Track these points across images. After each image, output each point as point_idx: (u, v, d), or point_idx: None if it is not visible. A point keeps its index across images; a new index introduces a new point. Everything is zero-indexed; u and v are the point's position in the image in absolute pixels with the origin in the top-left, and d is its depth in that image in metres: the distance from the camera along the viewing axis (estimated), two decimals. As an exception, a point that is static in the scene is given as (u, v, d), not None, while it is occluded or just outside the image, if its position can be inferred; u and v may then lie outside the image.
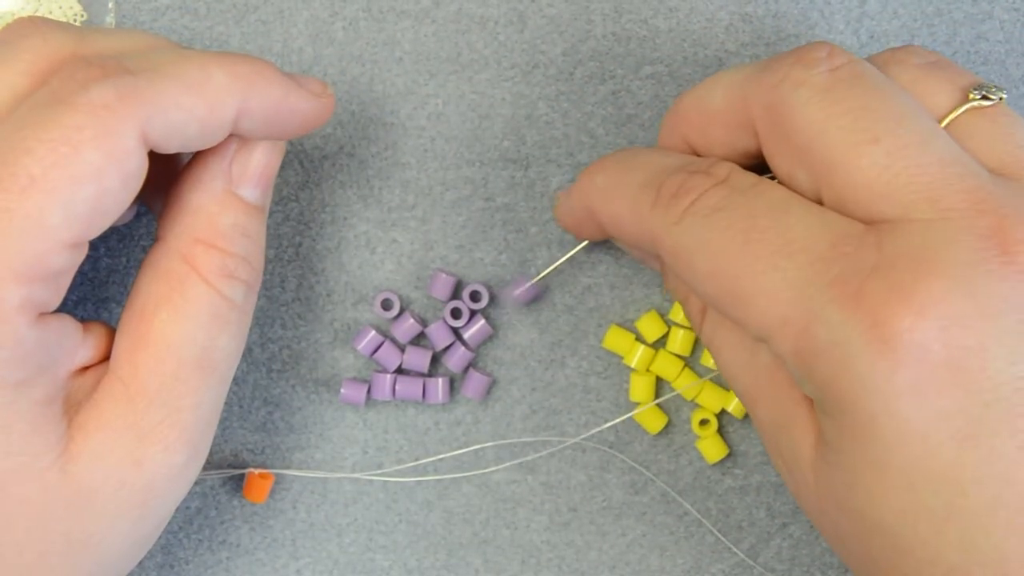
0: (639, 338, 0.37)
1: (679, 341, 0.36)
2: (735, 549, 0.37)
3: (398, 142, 0.37)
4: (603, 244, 0.36)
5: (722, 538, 0.37)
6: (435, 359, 0.37)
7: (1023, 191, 0.26)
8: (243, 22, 0.37)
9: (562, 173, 0.37)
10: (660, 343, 0.37)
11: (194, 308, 0.29)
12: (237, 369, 0.37)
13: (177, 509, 0.33)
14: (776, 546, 0.37)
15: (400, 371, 0.37)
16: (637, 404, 0.36)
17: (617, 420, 0.36)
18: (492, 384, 0.37)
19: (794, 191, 0.28)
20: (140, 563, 0.35)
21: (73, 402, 0.29)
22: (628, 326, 0.37)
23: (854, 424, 0.25)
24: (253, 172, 0.31)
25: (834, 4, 0.37)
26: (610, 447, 0.37)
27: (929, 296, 0.24)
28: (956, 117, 0.28)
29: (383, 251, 0.37)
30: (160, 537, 0.36)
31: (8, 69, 0.28)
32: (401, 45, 0.37)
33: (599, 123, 0.37)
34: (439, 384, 0.36)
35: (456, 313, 0.36)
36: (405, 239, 0.37)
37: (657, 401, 0.36)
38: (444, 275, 0.36)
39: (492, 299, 0.37)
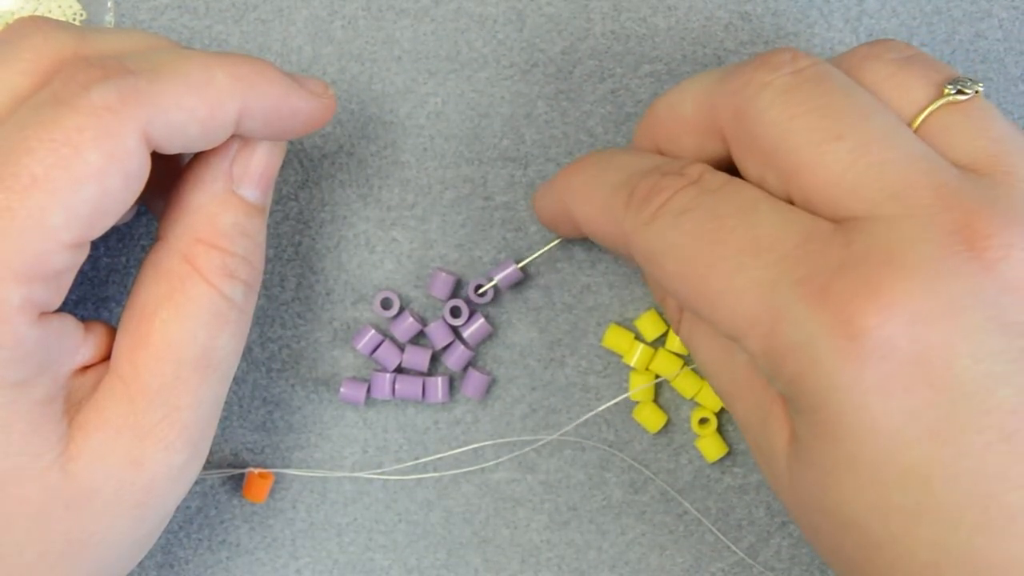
0: (638, 337, 0.37)
1: (678, 340, 0.36)
2: (734, 548, 0.37)
3: (397, 141, 0.37)
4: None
5: (722, 537, 0.37)
6: (435, 358, 0.37)
7: (992, 187, 0.26)
8: (242, 21, 0.37)
9: (561, 172, 0.37)
10: (659, 342, 0.37)
11: (195, 307, 0.29)
12: (237, 368, 0.37)
13: (177, 509, 0.33)
14: (776, 545, 0.37)
15: (400, 370, 0.37)
16: (636, 402, 0.36)
17: (606, 405, 0.36)
18: (492, 383, 0.37)
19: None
20: (140, 563, 0.35)
21: (74, 401, 0.29)
22: (627, 325, 0.37)
23: (823, 422, 0.25)
24: (254, 172, 0.31)
25: (833, 2, 0.37)
26: (610, 446, 0.37)
27: (895, 293, 0.24)
28: (931, 112, 0.27)
29: (382, 250, 0.37)
30: (160, 537, 0.36)
31: (9, 69, 0.28)
32: (400, 44, 0.37)
33: (598, 121, 0.37)
34: (439, 383, 0.36)
35: (455, 312, 0.36)
36: (404, 238, 0.37)
37: (658, 381, 0.36)
38: (444, 274, 0.36)
39: (496, 295, 0.37)
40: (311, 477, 0.37)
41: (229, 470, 0.37)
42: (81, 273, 0.36)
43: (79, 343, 0.29)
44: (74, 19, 0.36)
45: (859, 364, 0.24)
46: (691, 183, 0.28)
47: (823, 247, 0.25)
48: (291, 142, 0.36)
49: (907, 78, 0.28)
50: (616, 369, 0.37)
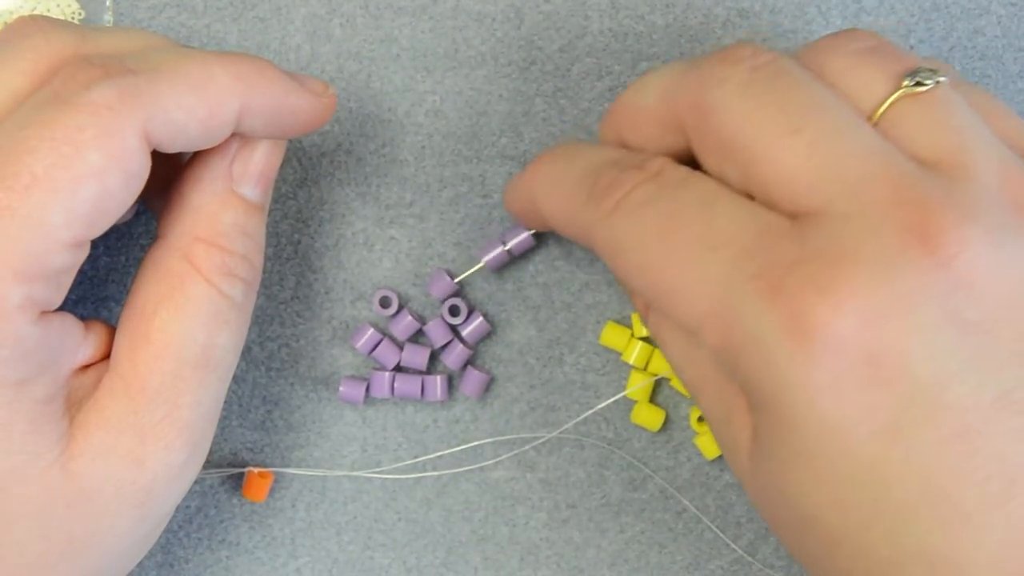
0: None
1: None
2: (734, 545, 0.37)
3: (395, 139, 0.37)
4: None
5: (720, 534, 0.37)
6: (433, 357, 0.37)
7: (949, 181, 0.25)
8: (240, 19, 0.37)
9: (560, 170, 0.37)
10: (658, 339, 0.37)
11: (194, 306, 0.29)
12: (236, 367, 0.37)
13: (177, 508, 0.33)
14: (775, 542, 0.37)
15: (399, 369, 0.37)
16: (635, 400, 0.36)
17: (604, 403, 0.37)
18: (491, 381, 0.37)
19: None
20: (140, 562, 0.35)
21: (74, 400, 0.29)
22: (625, 322, 0.37)
23: (779, 417, 0.25)
24: (254, 171, 0.31)
25: (831, 0, 0.37)
26: (609, 444, 0.37)
27: (848, 290, 0.24)
28: (890, 104, 0.27)
29: (381, 248, 0.37)
30: (160, 536, 0.36)
31: (9, 68, 0.28)
32: (398, 42, 0.37)
33: (596, 119, 0.37)
34: (437, 382, 0.36)
35: (454, 311, 0.36)
36: (403, 236, 0.37)
37: (657, 378, 0.36)
38: (445, 274, 0.36)
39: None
40: (310, 476, 0.37)
41: (228, 469, 0.37)
42: (81, 272, 0.36)
43: (79, 342, 0.29)
44: (73, 18, 0.36)
45: (811, 361, 0.24)
46: (651, 177, 0.28)
47: (778, 242, 0.25)
48: (290, 141, 0.36)
49: (867, 70, 0.28)
50: (615, 367, 0.37)
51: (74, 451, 0.28)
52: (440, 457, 0.37)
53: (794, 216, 0.26)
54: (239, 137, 0.31)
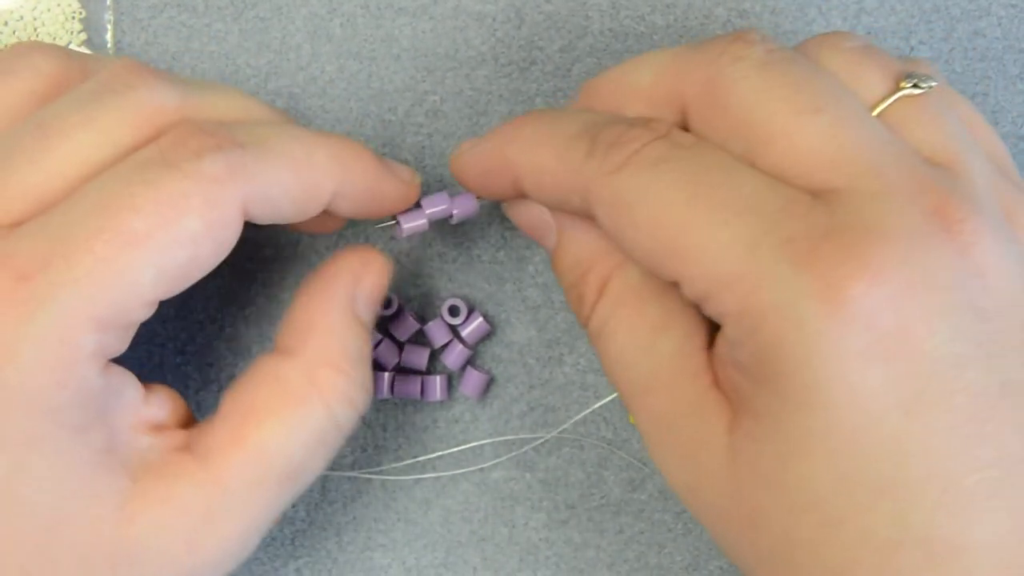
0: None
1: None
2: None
3: (396, 138, 0.37)
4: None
5: (721, 535, 0.37)
6: (433, 357, 0.37)
7: (952, 177, 0.26)
8: (241, 19, 0.37)
9: (560, 170, 0.37)
10: (658, 340, 0.37)
11: (304, 428, 0.30)
12: (236, 368, 0.37)
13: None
14: (775, 543, 0.37)
15: (398, 369, 0.37)
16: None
17: (603, 401, 0.36)
18: (490, 382, 0.37)
19: None
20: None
21: (139, 461, 0.29)
22: (626, 323, 0.37)
23: (797, 388, 0.25)
24: (370, 294, 0.32)
25: (832, 0, 0.37)
26: (608, 444, 0.37)
27: (883, 263, 0.24)
28: (890, 104, 0.28)
29: (381, 248, 0.37)
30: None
31: (113, 119, 0.28)
32: (399, 42, 0.37)
33: (597, 120, 0.37)
34: (437, 382, 0.36)
35: (454, 311, 0.36)
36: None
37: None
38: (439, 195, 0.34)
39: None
40: (310, 476, 0.37)
41: (228, 469, 0.37)
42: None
43: (139, 398, 0.29)
44: (73, 18, 0.37)
45: (844, 330, 0.24)
46: (660, 136, 0.28)
47: (808, 212, 0.25)
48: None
49: (865, 68, 0.28)
50: (615, 367, 0.37)
51: (132, 515, 0.28)
52: (440, 457, 0.37)
53: (814, 192, 0.26)
54: (360, 257, 0.31)
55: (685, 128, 0.29)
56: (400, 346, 0.37)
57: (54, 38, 0.36)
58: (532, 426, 0.37)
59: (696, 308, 0.28)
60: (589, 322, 0.31)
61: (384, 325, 0.37)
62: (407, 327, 0.36)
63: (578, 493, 0.37)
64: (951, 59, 0.37)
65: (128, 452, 0.29)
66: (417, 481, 0.37)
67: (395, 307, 0.36)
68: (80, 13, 0.36)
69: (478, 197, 0.33)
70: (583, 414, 0.37)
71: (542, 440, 0.37)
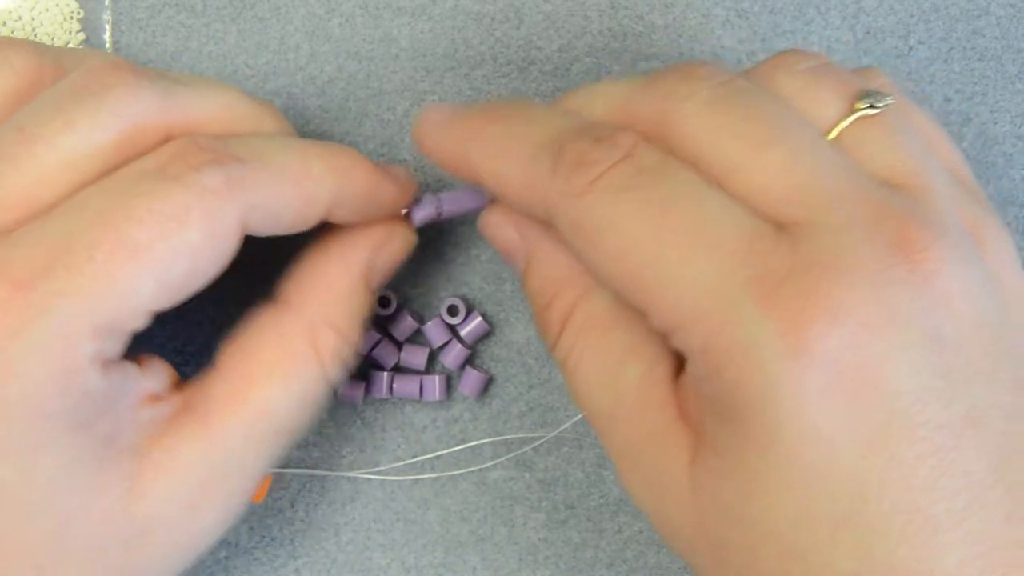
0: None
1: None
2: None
3: (395, 138, 0.37)
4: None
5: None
6: (432, 356, 0.37)
7: (913, 199, 0.26)
8: (240, 19, 0.37)
9: (559, 170, 0.37)
10: (657, 340, 0.37)
11: (301, 388, 0.30)
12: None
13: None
14: (774, 543, 0.37)
15: (397, 369, 0.37)
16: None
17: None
18: (489, 381, 0.37)
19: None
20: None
21: (143, 435, 0.29)
22: (625, 323, 0.37)
23: (759, 426, 0.25)
24: (387, 264, 0.32)
25: (830, 0, 0.37)
26: (608, 444, 0.37)
27: (843, 303, 0.24)
28: (846, 126, 0.28)
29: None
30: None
31: (93, 123, 0.28)
32: (398, 42, 0.37)
33: (596, 119, 0.37)
34: (436, 382, 0.36)
35: (453, 310, 0.36)
36: (402, 236, 0.37)
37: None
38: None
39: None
40: (309, 476, 0.37)
41: (227, 469, 0.37)
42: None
43: (139, 383, 0.29)
44: (71, 17, 0.36)
45: (804, 371, 0.24)
46: (625, 156, 0.27)
47: (771, 248, 0.25)
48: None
49: (820, 91, 0.28)
50: (614, 367, 0.37)
51: (142, 491, 0.28)
52: (439, 457, 0.37)
53: (778, 225, 0.26)
54: (388, 227, 0.32)
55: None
56: (399, 346, 0.37)
57: (52, 38, 0.36)
58: (531, 426, 0.37)
59: (663, 337, 0.27)
60: (554, 350, 0.31)
61: (383, 325, 0.37)
62: (406, 327, 0.36)
63: (577, 493, 0.37)
64: (950, 59, 0.37)
65: (132, 432, 0.29)
66: (416, 481, 0.37)
67: (394, 307, 0.36)
68: (78, 13, 0.36)
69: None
70: (582, 413, 0.37)
71: (542, 440, 0.37)
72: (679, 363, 0.28)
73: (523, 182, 0.29)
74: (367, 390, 0.36)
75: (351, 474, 0.37)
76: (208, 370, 0.30)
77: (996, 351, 0.25)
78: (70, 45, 0.36)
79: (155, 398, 0.30)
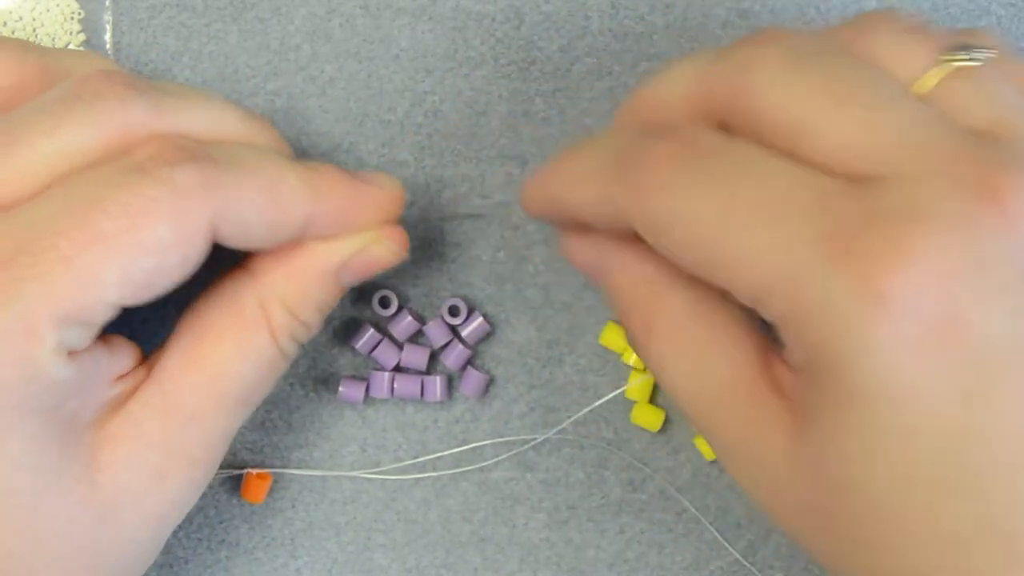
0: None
1: (677, 338, 0.36)
2: (731, 548, 0.37)
3: (395, 139, 0.37)
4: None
5: (719, 536, 0.37)
6: (433, 357, 0.37)
7: (1008, 147, 0.25)
8: (240, 19, 0.37)
9: (559, 170, 0.37)
10: (658, 340, 0.37)
11: (255, 353, 0.31)
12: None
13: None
14: (775, 543, 0.37)
15: (398, 369, 0.37)
16: (635, 400, 0.36)
17: (602, 400, 0.36)
18: (490, 382, 0.37)
19: None
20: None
21: (105, 409, 0.29)
22: (626, 323, 0.37)
23: (849, 388, 0.24)
24: (365, 266, 0.32)
25: (831, 0, 0.37)
26: (608, 444, 0.37)
27: (923, 251, 0.23)
28: (940, 79, 0.27)
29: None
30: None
31: (81, 127, 0.28)
32: (398, 42, 0.37)
33: (596, 120, 0.37)
34: (437, 382, 0.36)
35: (454, 311, 0.36)
36: (403, 236, 0.37)
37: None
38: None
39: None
40: (310, 476, 0.37)
41: (228, 470, 0.37)
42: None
43: (107, 368, 0.30)
44: (72, 18, 0.36)
45: (887, 324, 0.23)
46: (683, 146, 0.27)
47: (842, 203, 0.24)
48: (289, 141, 0.36)
49: (913, 46, 0.27)
50: (615, 367, 0.37)
51: (103, 461, 0.29)
52: (440, 457, 0.37)
53: (853, 181, 0.25)
54: (383, 231, 0.32)
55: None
56: (400, 346, 0.37)
57: (53, 38, 0.36)
58: (532, 426, 0.37)
59: (749, 318, 0.27)
60: (642, 355, 0.30)
61: (384, 325, 0.37)
62: (407, 327, 0.36)
63: (578, 493, 0.37)
64: (950, 58, 0.37)
65: (95, 407, 0.29)
66: (417, 481, 0.37)
67: (394, 307, 0.36)
68: (79, 13, 0.36)
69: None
70: (583, 413, 0.37)
71: (542, 440, 0.37)
72: (770, 346, 0.28)
73: (600, 203, 0.29)
74: (368, 390, 0.36)
75: (352, 474, 0.37)
76: (169, 335, 0.31)
77: None
78: (70, 46, 0.36)
79: (121, 376, 0.30)
